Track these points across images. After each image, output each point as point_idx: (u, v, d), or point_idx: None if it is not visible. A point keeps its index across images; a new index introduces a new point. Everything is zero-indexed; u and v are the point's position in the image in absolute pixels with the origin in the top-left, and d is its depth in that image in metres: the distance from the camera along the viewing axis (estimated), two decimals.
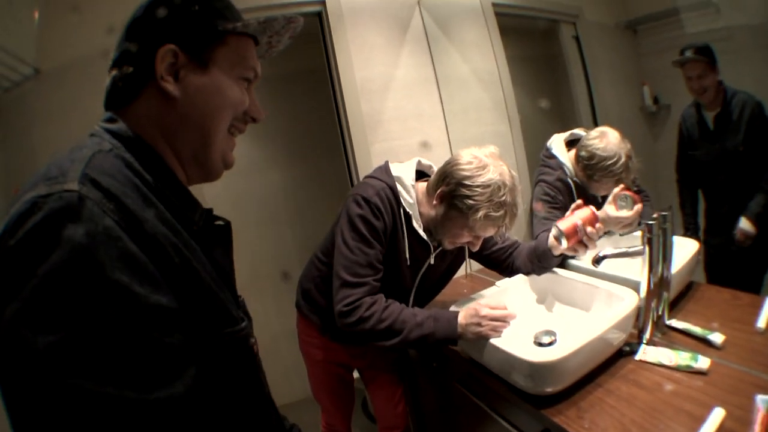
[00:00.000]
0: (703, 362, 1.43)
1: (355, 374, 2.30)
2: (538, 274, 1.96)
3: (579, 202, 1.77)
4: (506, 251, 2.04)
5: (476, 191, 1.61)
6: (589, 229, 1.70)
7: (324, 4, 2.85)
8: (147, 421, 0.65)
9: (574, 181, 2.14)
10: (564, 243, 1.72)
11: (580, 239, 1.71)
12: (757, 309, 1.60)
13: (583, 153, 2.05)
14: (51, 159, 0.77)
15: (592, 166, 2.01)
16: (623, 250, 1.71)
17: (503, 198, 1.61)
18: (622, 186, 1.86)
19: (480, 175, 1.64)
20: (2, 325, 0.62)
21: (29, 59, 2.38)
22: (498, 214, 1.60)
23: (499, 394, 1.60)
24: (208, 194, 2.69)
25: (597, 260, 1.72)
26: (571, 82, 2.35)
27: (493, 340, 1.56)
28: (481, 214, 1.60)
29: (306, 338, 2.17)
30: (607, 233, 2.04)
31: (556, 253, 1.83)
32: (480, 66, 2.93)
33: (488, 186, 1.61)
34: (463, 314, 1.68)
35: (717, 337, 1.53)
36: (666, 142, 2.08)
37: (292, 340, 2.30)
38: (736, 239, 1.78)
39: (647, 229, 1.59)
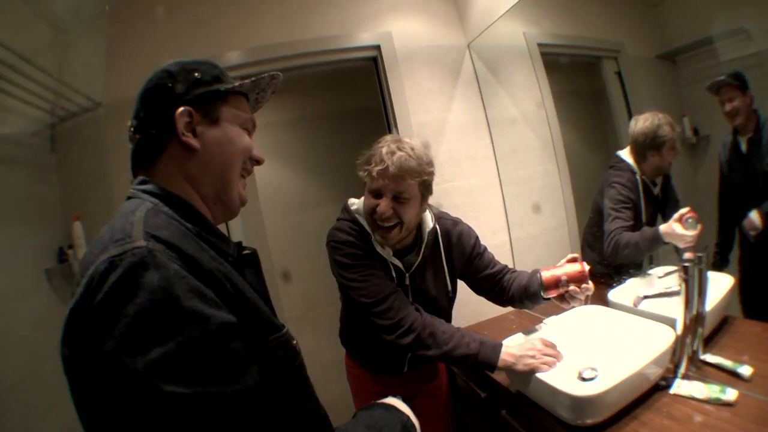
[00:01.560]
0: (731, 394, 1.49)
1: None
2: (529, 309, 2.02)
3: (572, 256, 1.85)
4: (495, 276, 2.08)
5: (366, 154, 1.83)
6: (571, 286, 1.77)
7: (379, 49, 2.96)
8: (230, 409, 0.79)
9: (642, 179, 2.26)
10: (541, 293, 1.80)
11: (561, 294, 1.79)
12: None
13: (634, 139, 2.23)
14: (106, 227, 0.92)
15: (648, 144, 2.18)
16: (662, 291, 1.82)
17: (389, 143, 1.79)
18: (689, 208, 1.95)
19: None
20: (103, 359, 0.74)
21: (93, 92, 2.54)
22: (378, 153, 1.76)
23: (543, 425, 1.68)
24: (269, 228, 2.89)
25: (638, 302, 1.82)
26: (614, 117, 2.38)
27: (540, 375, 1.64)
28: (367, 159, 1.80)
29: (351, 369, 2.28)
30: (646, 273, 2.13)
31: (547, 296, 1.87)
32: (528, 106, 2.97)
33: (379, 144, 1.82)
34: (518, 346, 1.76)
35: (746, 370, 1.59)
36: (706, 173, 2.10)
37: (340, 369, 2.39)
38: (743, 228, 1.87)
39: (683, 271, 1.66)
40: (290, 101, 4.19)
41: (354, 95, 4.22)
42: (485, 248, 2.15)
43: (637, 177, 2.27)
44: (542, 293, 1.83)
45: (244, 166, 1.15)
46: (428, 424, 2.13)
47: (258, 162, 1.20)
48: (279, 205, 4.17)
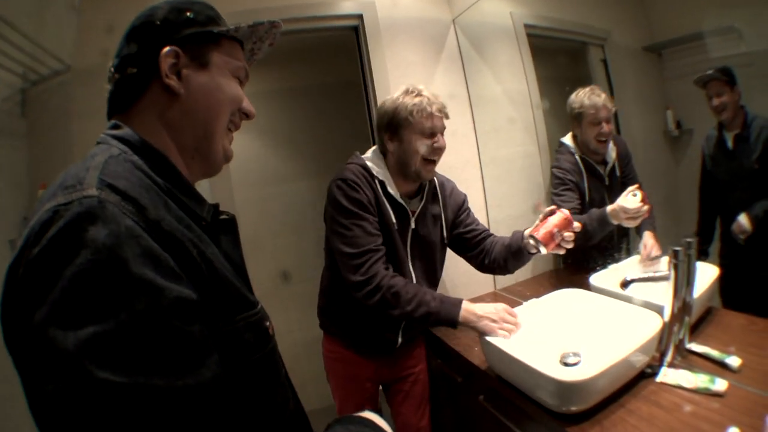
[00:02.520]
0: (721, 385, 1.47)
1: None
2: (511, 271, 2.08)
3: (551, 208, 1.89)
4: (478, 235, 2.22)
5: (399, 106, 1.96)
6: (566, 233, 1.82)
7: (361, 18, 2.88)
8: (177, 407, 0.67)
9: (581, 158, 2.35)
10: (543, 250, 1.83)
11: (558, 243, 1.83)
12: None
13: (569, 112, 2.36)
14: (65, 171, 0.81)
15: (578, 115, 2.31)
16: (650, 274, 1.78)
17: (411, 90, 1.98)
18: (637, 185, 2.01)
19: (390, 100, 2.01)
20: (32, 329, 0.64)
21: (63, 55, 2.43)
22: (417, 99, 1.94)
23: (524, 412, 1.64)
24: (238, 199, 2.79)
25: (624, 284, 1.80)
26: None
27: (521, 357, 1.59)
28: (409, 111, 1.93)
29: (330, 355, 2.24)
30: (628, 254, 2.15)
31: (532, 251, 1.97)
32: (511, 86, 2.96)
33: (399, 98, 1.98)
34: (481, 307, 1.85)
35: (734, 361, 1.56)
36: (688, 167, 2.12)
37: (312, 348, 2.34)
38: (732, 232, 1.87)
39: (673, 255, 1.63)
40: (266, 72, 4.08)
41: (331, 68, 4.16)
42: (470, 209, 2.31)
43: (576, 157, 2.36)
44: (543, 250, 1.86)
45: (232, 119, 1.07)
46: (413, 410, 2.29)
47: (248, 116, 1.11)
48: (250, 177, 4.07)
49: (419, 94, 1.96)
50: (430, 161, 1.98)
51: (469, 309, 1.83)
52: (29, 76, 2.37)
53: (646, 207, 1.96)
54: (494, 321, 1.80)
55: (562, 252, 1.86)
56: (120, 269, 0.67)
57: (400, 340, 2.12)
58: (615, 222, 2.06)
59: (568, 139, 2.47)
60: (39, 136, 2.43)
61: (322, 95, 4.27)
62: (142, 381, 0.64)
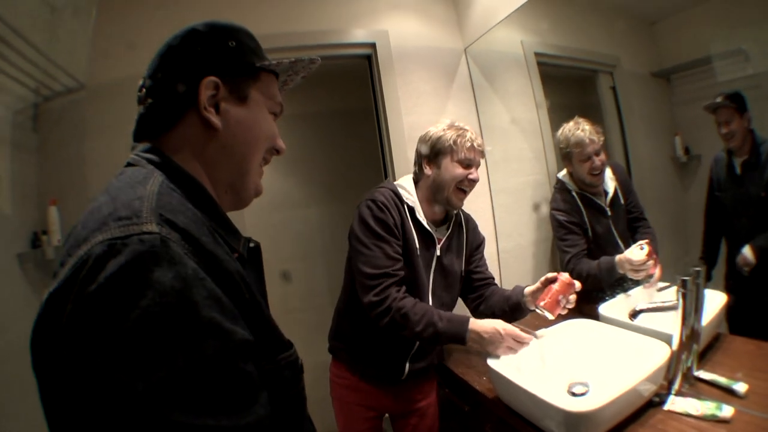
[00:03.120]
0: (727, 411, 1.46)
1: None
2: (509, 321, 2.02)
3: (551, 275, 1.90)
4: (484, 280, 2.26)
5: (440, 135, 2.04)
6: (571, 297, 1.86)
7: (374, 47, 2.92)
8: None
9: (578, 194, 2.36)
10: (549, 316, 1.85)
11: (562, 307, 1.86)
12: None
13: (557, 144, 2.40)
14: (106, 194, 0.78)
15: (567, 154, 2.34)
16: (658, 304, 1.81)
17: (456, 125, 2.07)
18: (647, 240, 2.02)
19: (434, 130, 2.08)
20: (92, 372, 0.62)
21: (77, 73, 2.46)
22: (461, 132, 2.03)
23: None
24: (249, 226, 2.83)
25: (633, 314, 1.82)
26: (606, 132, 2.37)
27: (528, 387, 1.59)
28: (453, 140, 2.01)
29: (337, 380, 2.22)
30: (637, 283, 2.15)
31: (531, 307, 2.00)
32: (522, 115, 2.97)
33: (442, 129, 2.06)
34: (489, 323, 1.89)
35: (741, 387, 1.56)
36: (696, 193, 2.11)
37: (317, 374, 2.35)
38: (736, 265, 1.87)
39: (681, 284, 1.64)
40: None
41: (344, 96, 4.16)
42: (484, 253, 2.34)
43: (574, 194, 2.36)
44: (549, 316, 1.87)
45: (265, 155, 1.04)
46: None
47: (278, 152, 1.08)
48: (261, 203, 3.93)
49: (463, 129, 2.06)
50: (462, 191, 2.04)
51: (476, 327, 1.87)
52: (42, 91, 2.40)
53: (651, 261, 1.99)
54: (502, 338, 1.84)
55: (564, 312, 1.88)
56: (190, 313, 0.65)
57: (407, 370, 2.09)
58: (622, 272, 2.10)
59: (564, 175, 2.49)
60: (50, 152, 2.44)
61: (335, 122, 4.27)
62: (212, 423, 0.64)
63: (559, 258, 2.45)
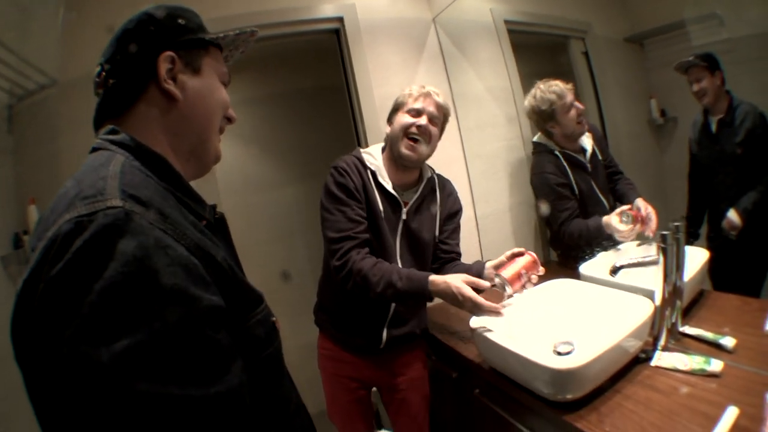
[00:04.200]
0: (716, 365, 1.46)
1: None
2: None
3: (518, 250, 1.89)
4: (449, 253, 2.21)
5: (399, 95, 2.11)
6: (532, 275, 1.81)
7: (342, 21, 2.89)
8: (210, 414, 0.69)
9: (561, 153, 2.36)
10: (509, 290, 1.78)
11: (523, 284, 1.79)
12: (765, 313, 1.63)
13: (532, 120, 2.44)
14: (72, 178, 0.81)
15: (543, 118, 2.36)
16: (639, 259, 1.78)
17: (420, 86, 2.09)
18: (630, 206, 2.03)
19: None
20: (61, 347, 0.63)
21: (50, 70, 2.42)
22: (415, 86, 2.08)
23: (521, 403, 1.64)
24: (225, 208, 2.76)
25: (614, 270, 1.80)
26: (580, 97, 2.35)
27: (513, 348, 1.59)
28: (406, 93, 2.08)
29: (323, 351, 2.24)
30: (619, 243, 2.18)
31: (491, 283, 1.91)
32: (494, 82, 2.96)
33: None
34: (446, 293, 1.78)
35: (728, 341, 1.56)
36: (673, 154, 2.12)
37: (304, 354, 2.33)
38: (723, 230, 1.86)
39: (661, 239, 1.63)
40: (248, 79, 4.06)
41: (313, 73, 4.15)
42: (459, 227, 2.29)
43: (557, 153, 2.35)
44: (509, 290, 1.80)
45: (221, 124, 1.09)
46: (410, 421, 2.23)
47: (230, 120, 1.13)
48: (236, 184, 4.02)
49: (423, 86, 2.08)
50: (412, 140, 2.01)
51: (436, 280, 1.80)
52: (15, 92, 2.36)
53: (637, 227, 1.99)
54: (461, 302, 1.76)
55: (520, 293, 1.82)
56: (151, 280, 0.67)
57: (384, 337, 2.08)
58: (609, 232, 2.09)
59: (540, 138, 2.49)
60: (26, 152, 2.42)
61: (306, 100, 4.26)
62: (178, 392, 0.66)
63: (551, 221, 2.45)
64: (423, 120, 2.00)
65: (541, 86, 2.34)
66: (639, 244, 2.06)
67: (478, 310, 1.72)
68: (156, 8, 0.99)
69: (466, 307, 1.74)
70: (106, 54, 0.97)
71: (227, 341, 0.77)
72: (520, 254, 1.86)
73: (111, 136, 0.90)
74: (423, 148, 2.02)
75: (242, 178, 4.12)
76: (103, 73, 0.95)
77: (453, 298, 1.76)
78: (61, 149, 2.38)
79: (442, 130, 2.11)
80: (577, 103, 2.28)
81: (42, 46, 2.47)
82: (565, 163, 2.35)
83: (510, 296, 1.77)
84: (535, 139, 2.51)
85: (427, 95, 2.04)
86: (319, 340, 2.27)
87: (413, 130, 2.00)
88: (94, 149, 0.90)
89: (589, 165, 2.36)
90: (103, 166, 0.80)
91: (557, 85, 2.29)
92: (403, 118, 2.02)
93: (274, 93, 4.25)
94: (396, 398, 2.20)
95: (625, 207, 2.03)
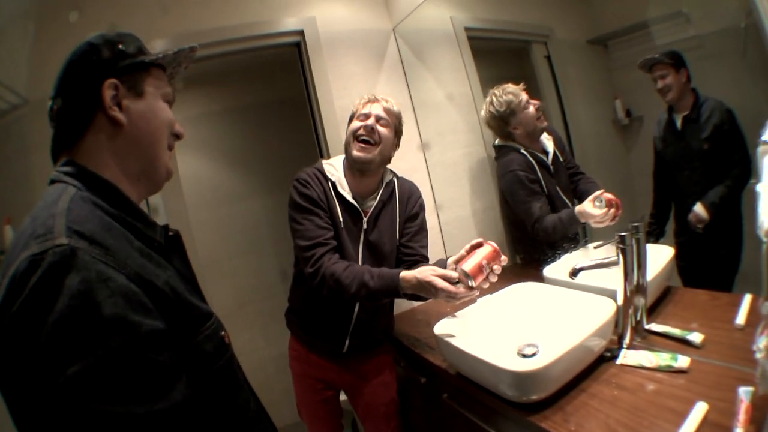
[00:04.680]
0: (683, 361, 1.46)
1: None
2: (423, 298, 2.00)
3: (478, 240, 1.84)
4: (412, 256, 2.16)
5: None
6: (495, 266, 1.77)
7: (302, 34, 2.90)
8: (157, 429, 0.77)
9: (529, 153, 2.34)
10: (471, 283, 1.74)
11: (485, 276, 1.76)
12: (735, 307, 1.61)
13: (493, 125, 2.42)
14: (29, 217, 0.87)
15: (505, 119, 2.34)
16: (598, 261, 1.76)
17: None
18: (603, 190, 2.00)
19: None
20: (24, 371, 0.72)
21: (20, 89, 2.43)
22: (359, 99, 2.12)
23: (488, 406, 1.63)
24: (194, 222, 2.79)
25: (574, 272, 1.78)
26: (543, 101, 2.36)
27: (476, 353, 1.59)
28: (357, 103, 2.12)
29: (291, 352, 2.29)
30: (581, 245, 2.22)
31: (474, 284, 1.87)
32: (455, 90, 2.97)
33: None
34: (420, 280, 1.76)
35: (696, 337, 1.56)
36: (639, 153, 2.13)
37: (279, 364, 2.32)
38: (689, 223, 1.86)
39: (620, 240, 1.64)
40: (213, 93, 4.11)
41: (277, 85, 4.17)
42: (425, 229, 2.27)
43: (523, 151, 2.35)
44: (471, 282, 1.75)
45: (168, 141, 1.12)
46: (379, 427, 2.29)
47: (178, 137, 1.16)
48: (205, 199, 4.06)
49: (371, 94, 2.15)
50: (361, 141, 2.04)
51: (407, 276, 1.79)
52: None
53: (612, 211, 1.97)
54: (436, 290, 1.71)
55: (486, 286, 1.79)
56: (93, 312, 0.74)
57: (347, 344, 2.12)
58: (583, 221, 2.08)
59: (503, 141, 2.47)
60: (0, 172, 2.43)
61: (269, 112, 4.30)
62: (122, 410, 0.74)
63: (524, 219, 2.38)
64: (370, 121, 2.03)
65: (495, 92, 2.35)
66: (597, 246, 2.03)
67: (452, 298, 1.71)
68: (96, 37, 1.04)
69: (440, 297, 1.72)
70: (55, 87, 1.02)
71: (170, 361, 0.84)
72: (479, 245, 1.82)
73: (65, 168, 0.97)
74: (373, 150, 2.04)
75: (210, 192, 4.15)
76: (55, 107, 1.01)
77: (425, 290, 1.75)
78: (34, 167, 2.37)
79: (397, 134, 2.15)
80: (533, 101, 2.29)
81: (12, 65, 2.48)
82: (533, 161, 2.33)
83: (473, 288, 1.73)
84: (496, 142, 2.50)
85: (374, 100, 2.09)
86: (289, 341, 2.31)
87: (361, 131, 2.03)
88: (52, 181, 0.96)
89: (551, 166, 2.36)
90: (54, 203, 0.86)
91: (510, 87, 2.31)
92: (353, 124, 2.07)
93: (239, 106, 4.29)
94: (362, 402, 2.25)
95: (597, 192, 2.01)
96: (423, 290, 1.75)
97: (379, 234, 2.12)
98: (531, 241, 2.39)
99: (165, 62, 1.13)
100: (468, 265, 1.73)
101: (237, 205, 4.24)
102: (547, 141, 2.37)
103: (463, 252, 1.85)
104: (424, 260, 2.17)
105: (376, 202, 2.12)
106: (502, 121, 2.35)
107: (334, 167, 2.11)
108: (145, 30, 2.56)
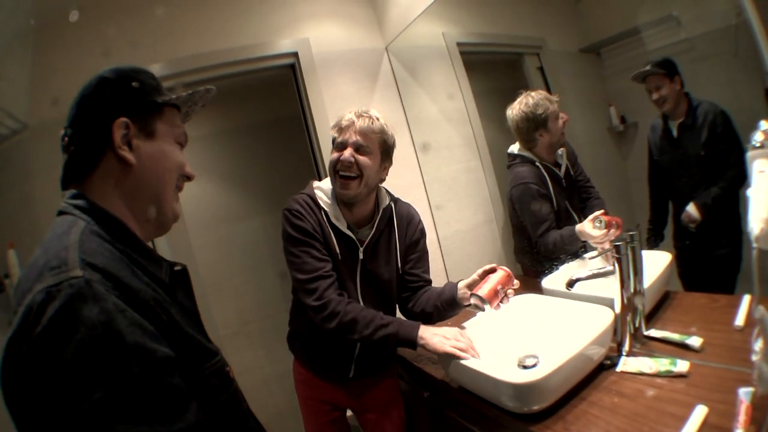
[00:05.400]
0: (683, 366, 1.46)
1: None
2: (434, 321, 2.01)
3: (490, 266, 1.87)
4: (418, 282, 2.13)
5: None
6: (509, 290, 1.80)
7: (297, 56, 2.93)
8: None
9: (543, 165, 2.31)
10: (488, 308, 1.77)
11: (500, 300, 1.79)
12: (734, 309, 1.62)
13: (517, 128, 2.32)
14: (40, 248, 0.89)
15: (532, 126, 2.27)
16: (594, 271, 1.77)
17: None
18: (603, 211, 2.00)
19: None
20: (46, 398, 0.73)
21: (20, 114, 2.45)
22: (343, 115, 1.95)
23: (490, 418, 1.62)
24: (195, 244, 2.79)
25: (570, 284, 1.78)
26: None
27: (478, 367, 1.60)
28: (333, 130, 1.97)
29: (297, 376, 2.23)
30: (578, 258, 2.23)
31: (465, 304, 1.93)
32: (448, 105, 2.98)
33: None
34: (437, 330, 1.79)
35: (695, 341, 1.56)
36: (635, 160, 2.12)
37: (283, 382, 2.31)
38: (682, 221, 1.88)
39: (615, 250, 1.65)
40: (209, 115, 4.11)
41: (273, 105, 4.20)
42: (426, 253, 2.20)
43: (538, 164, 2.32)
44: (487, 308, 1.79)
45: (177, 183, 1.13)
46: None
47: (188, 178, 1.17)
48: (205, 220, 4.07)
49: (357, 110, 1.97)
50: (343, 176, 1.91)
51: (425, 329, 1.79)
52: None
53: (612, 232, 1.97)
54: (447, 338, 1.75)
55: (497, 310, 1.81)
56: (117, 340, 0.77)
57: (352, 370, 2.07)
58: (584, 239, 2.09)
59: (520, 150, 2.42)
60: (1, 196, 2.46)
61: (269, 132, 4.32)
62: (147, 430, 0.77)
63: (530, 231, 2.38)
64: (346, 153, 1.89)
65: (532, 94, 2.28)
66: (593, 257, 2.01)
67: (458, 338, 1.75)
68: (111, 71, 1.04)
69: (451, 335, 1.76)
70: (69, 118, 1.02)
71: (182, 385, 0.86)
72: (493, 270, 1.84)
73: (74, 201, 0.97)
74: (355, 183, 1.91)
75: (210, 213, 4.17)
76: (66, 138, 1.01)
77: (446, 331, 1.78)
78: (36, 192, 2.42)
79: (385, 153, 1.99)
80: (562, 114, 2.25)
81: (12, 91, 2.51)
82: (545, 174, 2.32)
83: (483, 310, 1.80)
84: (511, 150, 2.45)
85: (349, 126, 1.92)
86: (293, 364, 2.25)
87: (339, 167, 1.91)
88: (60, 212, 0.97)
89: (563, 180, 2.35)
90: (65, 234, 0.88)
91: (546, 93, 2.26)
92: (332, 156, 1.95)
93: (236, 126, 4.32)
94: (370, 421, 2.20)
95: (597, 213, 2.01)
96: (438, 338, 1.77)
97: (376, 263, 2.04)
98: (532, 253, 2.39)
99: (179, 103, 1.14)
100: (483, 291, 1.77)
101: (237, 224, 4.26)
102: (561, 154, 2.36)
103: (476, 277, 1.88)
104: (428, 284, 2.16)
105: (372, 232, 2.02)
106: (532, 124, 2.29)
107: (324, 193, 2.00)
108: (142, 55, 2.64)
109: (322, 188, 2.02)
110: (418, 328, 1.80)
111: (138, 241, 1.01)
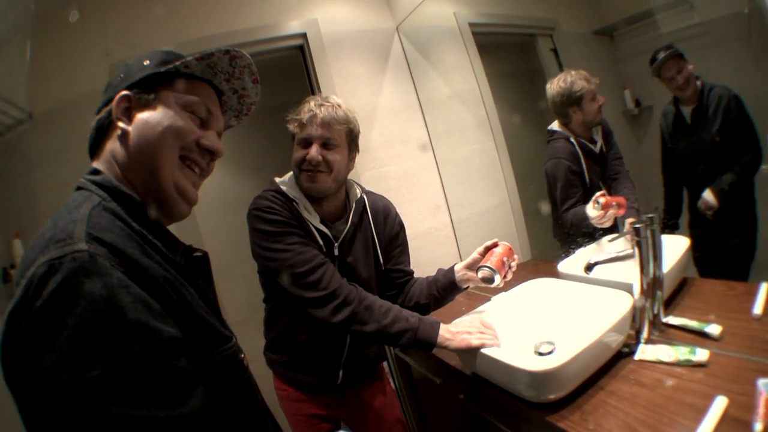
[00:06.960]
0: (702, 354, 1.43)
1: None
2: (428, 311, 1.97)
3: (493, 241, 1.87)
4: (404, 276, 2.09)
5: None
6: (513, 263, 1.80)
7: (305, 37, 2.91)
8: None
9: (578, 141, 2.30)
10: (497, 278, 1.75)
11: (506, 272, 1.78)
12: (752, 297, 1.60)
13: (553, 103, 2.31)
14: (51, 219, 0.88)
15: (566, 102, 2.26)
16: (614, 255, 1.73)
17: (299, 107, 1.87)
18: (602, 192, 2.03)
19: None
20: (42, 373, 0.71)
21: (21, 104, 2.44)
22: (304, 107, 1.83)
23: (505, 406, 1.59)
24: (204, 230, 2.87)
25: (589, 267, 1.75)
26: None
27: (493, 353, 1.56)
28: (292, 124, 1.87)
29: (279, 392, 2.08)
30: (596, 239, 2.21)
31: (464, 287, 1.93)
32: (461, 86, 2.96)
33: None
34: (455, 324, 1.72)
35: (714, 329, 1.53)
36: (650, 143, 2.11)
37: None
38: (698, 209, 1.86)
39: (635, 233, 1.61)
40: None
41: (282, 89, 4.11)
42: (407, 245, 2.15)
43: (572, 140, 2.30)
44: (498, 278, 1.77)
45: (189, 155, 1.06)
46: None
47: (212, 152, 1.11)
48: (214, 205, 4.04)
49: (316, 100, 1.85)
50: (309, 172, 1.81)
51: (445, 328, 1.67)
52: None
53: (611, 212, 1.99)
54: (469, 333, 1.64)
55: (501, 284, 1.80)
56: (117, 315, 0.75)
57: (341, 375, 1.95)
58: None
59: (557, 126, 2.42)
60: (6, 186, 2.46)
61: (275, 117, 4.22)
62: (146, 414, 0.74)
63: (556, 205, 2.38)
64: (313, 151, 1.78)
65: (572, 71, 2.27)
66: (612, 240, 1.96)
67: (482, 330, 1.68)
68: (135, 58, 1.08)
69: (473, 328, 1.69)
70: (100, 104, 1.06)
71: (189, 368, 0.84)
72: (494, 245, 1.85)
73: (92, 177, 0.99)
74: (324, 176, 1.80)
75: (219, 198, 4.15)
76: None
77: (461, 327, 1.69)
78: (40, 182, 2.42)
79: (351, 143, 1.89)
80: (599, 96, 2.23)
81: (12, 81, 2.49)
82: (579, 151, 2.32)
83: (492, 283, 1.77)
84: (551, 127, 2.45)
85: (311, 118, 1.79)
86: (274, 381, 2.10)
87: (305, 166, 1.80)
88: (78, 188, 0.98)
89: (599, 157, 2.34)
90: (76, 209, 0.88)
91: (580, 73, 2.24)
92: (296, 153, 1.84)
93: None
94: (366, 428, 2.11)
95: (597, 194, 2.03)
96: (461, 331, 1.69)
97: (354, 260, 1.91)
98: (554, 232, 2.41)
99: (196, 72, 1.08)
100: (492, 262, 1.76)
101: (245, 210, 4.15)
102: (597, 131, 2.36)
103: (476, 255, 1.86)
104: (411, 276, 2.13)
105: (348, 226, 1.90)
106: (568, 101, 2.28)
107: (291, 188, 1.88)
108: (149, 40, 2.62)
109: (287, 182, 1.91)
110: (438, 327, 1.66)
111: (154, 222, 1.01)
